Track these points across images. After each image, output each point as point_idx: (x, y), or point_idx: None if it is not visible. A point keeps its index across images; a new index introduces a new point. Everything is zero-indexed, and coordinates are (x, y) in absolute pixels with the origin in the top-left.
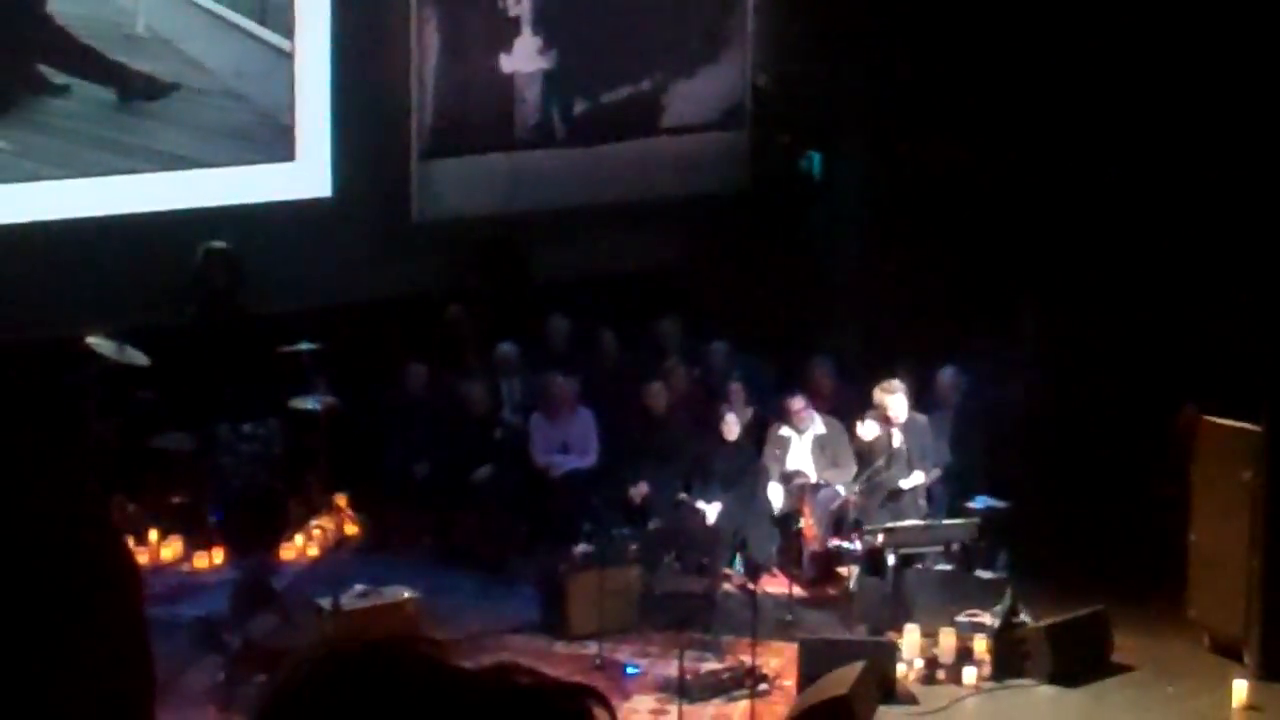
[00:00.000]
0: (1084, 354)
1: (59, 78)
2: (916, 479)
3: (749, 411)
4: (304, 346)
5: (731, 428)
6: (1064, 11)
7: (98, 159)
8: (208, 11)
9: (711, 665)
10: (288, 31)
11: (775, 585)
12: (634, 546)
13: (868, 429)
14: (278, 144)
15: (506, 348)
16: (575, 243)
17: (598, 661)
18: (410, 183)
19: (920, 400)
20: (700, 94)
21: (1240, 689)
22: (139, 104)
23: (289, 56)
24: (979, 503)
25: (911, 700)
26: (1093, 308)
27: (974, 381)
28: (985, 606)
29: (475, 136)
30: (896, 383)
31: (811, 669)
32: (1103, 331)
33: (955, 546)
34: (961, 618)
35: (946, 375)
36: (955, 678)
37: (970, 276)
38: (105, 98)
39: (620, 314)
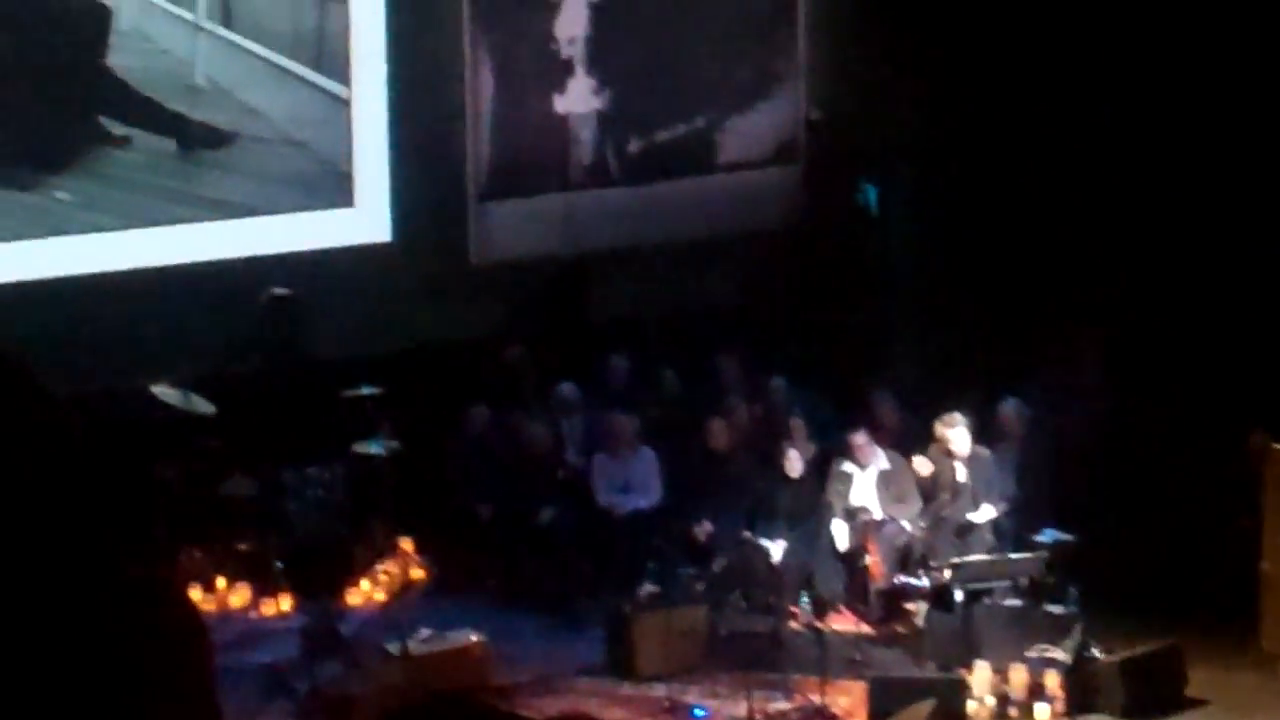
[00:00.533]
0: (1149, 382)
1: (120, 129)
2: (982, 513)
3: (811, 447)
4: (366, 391)
5: (794, 464)
6: (1124, 40)
7: (159, 209)
8: (265, 60)
9: (780, 705)
10: (344, 78)
11: (842, 623)
12: (699, 586)
13: (922, 464)
14: (337, 190)
15: (567, 388)
16: (633, 281)
17: (666, 703)
18: (468, 225)
19: (984, 433)
20: (754, 130)
21: None
22: (199, 153)
23: (346, 103)
24: (1046, 536)
25: None
26: (1158, 334)
27: (1038, 413)
28: (1055, 641)
29: (531, 178)
30: (958, 416)
31: (881, 707)
32: (1169, 358)
33: (1024, 581)
34: (1032, 653)
35: (1009, 407)
36: (1027, 714)
37: (1031, 306)
38: (166, 148)
39: (680, 352)
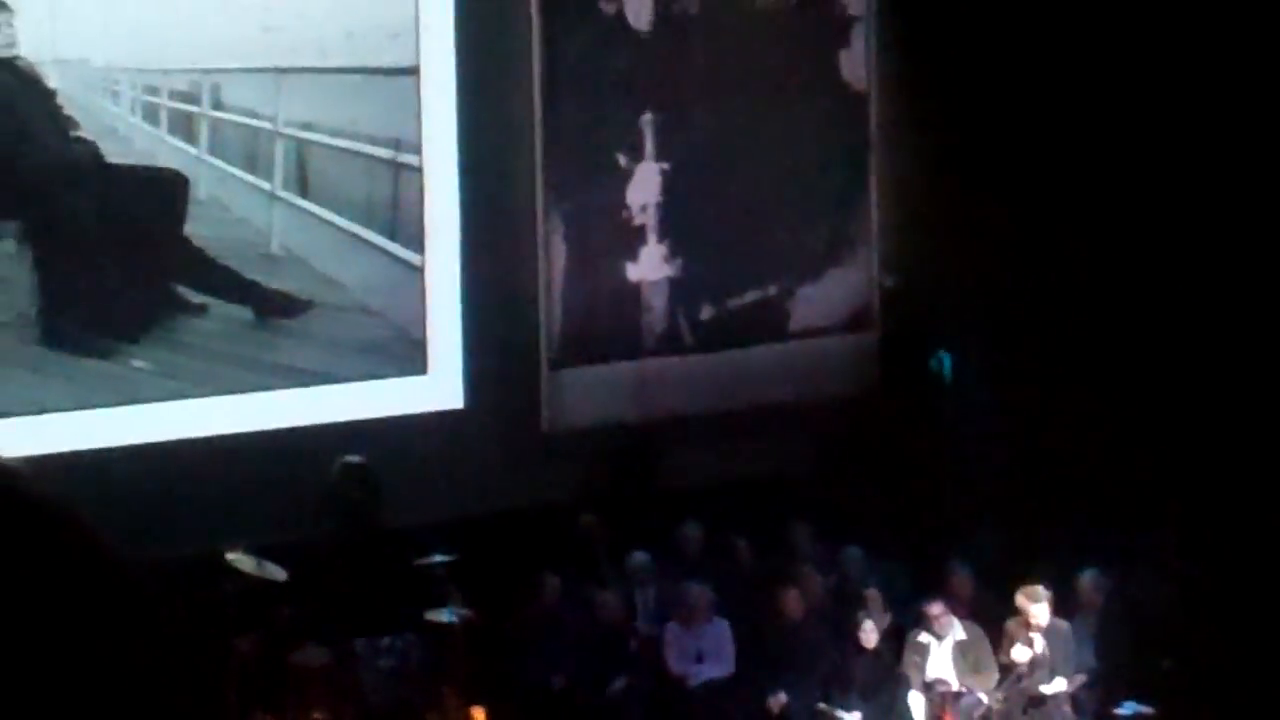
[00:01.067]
0: (1231, 554)
1: (197, 297)
2: (1060, 685)
3: (887, 618)
4: (438, 559)
5: (869, 635)
6: (1211, 206)
7: (235, 376)
8: (341, 230)
9: None
10: (418, 246)
11: None
12: None
13: (1020, 651)
14: (410, 357)
15: (640, 557)
16: (705, 449)
17: None
18: (540, 392)
19: (1062, 604)
20: (827, 297)
21: None
22: (275, 321)
23: (420, 270)
24: (1127, 709)
25: None
26: (1238, 508)
27: (1117, 584)
28: None
29: (603, 345)
30: (1041, 589)
31: None
32: (1248, 529)
33: None
34: None
35: (1088, 578)
36: None
37: (1108, 476)
38: (242, 316)
39: (753, 520)
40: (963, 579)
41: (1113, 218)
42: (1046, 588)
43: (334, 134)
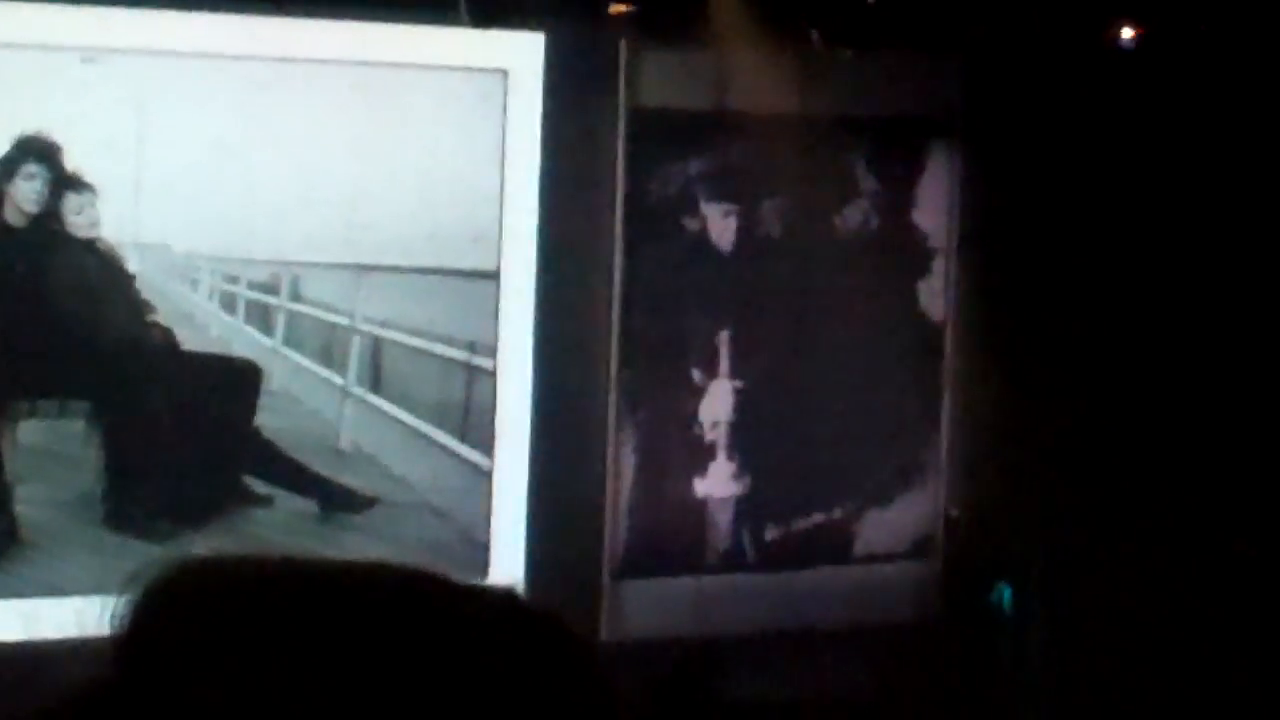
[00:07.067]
0: None
1: (263, 488)
2: None
3: None
4: None
5: None
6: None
7: None
8: (411, 428)
9: None
10: (488, 449)
11: None
12: None
13: None
14: (473, 560)
15: None
16: (763, 668)
17: None
18: (601, 602)
19: None
20: (893, 523)
21: None
22: (340, 517)
23: (487, 474)
24: None
25: None
26: None
27: None
28: None
29: (667, 559)
30: None
31: None
32: None
33: None
34: None
35: None
36: None
37: (1170, 702)
38: (308, 509)
39: None
40: None
41: (1174, 456)
42: None
43: (411, 333)
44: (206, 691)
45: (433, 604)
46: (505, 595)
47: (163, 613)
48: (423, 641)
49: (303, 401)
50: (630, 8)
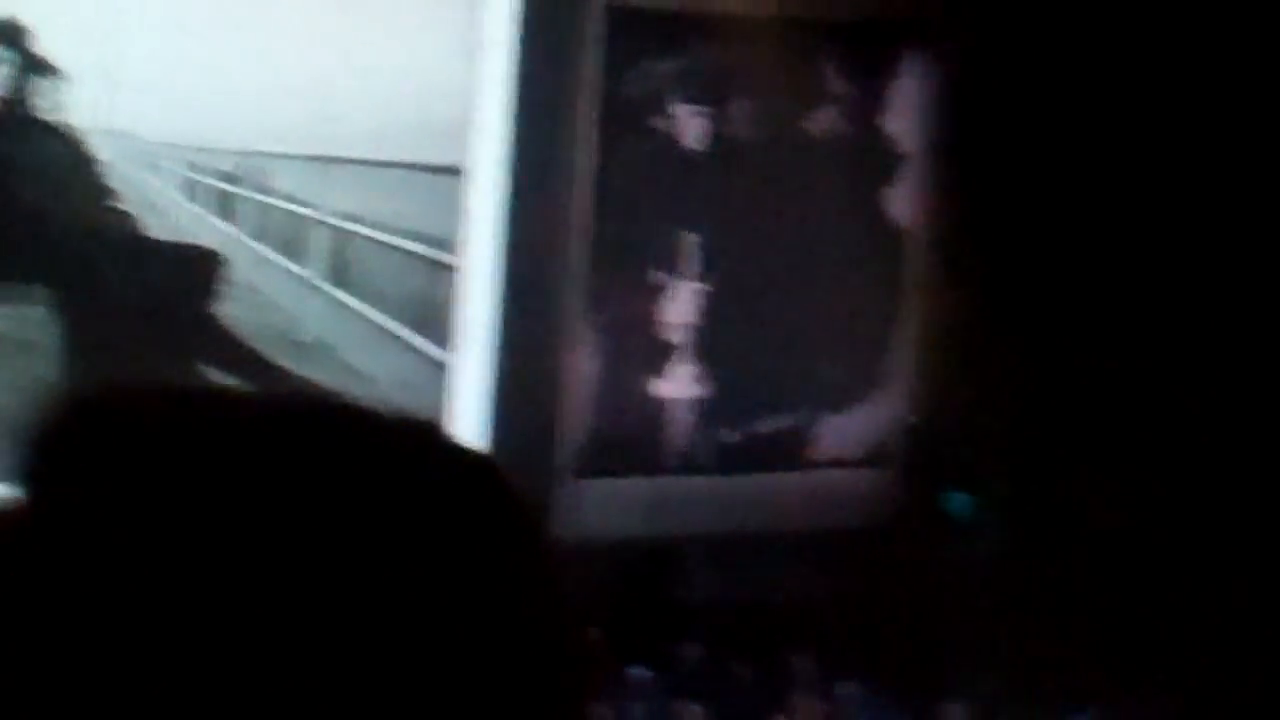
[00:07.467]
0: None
1: (219, 378)
2: None
3: None
4: None
5: None
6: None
7: None
8: (374, 324)
9: None
10: (449, 345)
11: None
12: None
13: None
14: None
15: (637, 672)
16: (713, 570)
17: None
18: (557, 500)
19: None
20: (852, 429)
21: None
22: None
23: (448, 370)
24: None
25: None
26: (1248, 664)
27: None
28: None
29: (624, 459)
30: None
31: None
32: (1260, 687)
33: None
34: None
35: None
36: None
37: (1115, 624)
38: None
39: (752, 645)
40: None
41: (1135, 377)
42: None
43: (376, 227)
44: (105, 524)
45: (345, 429)
46: (426, 424)
47: (60, 446)
48: (333, 463)
49: (264, 292)
50: None
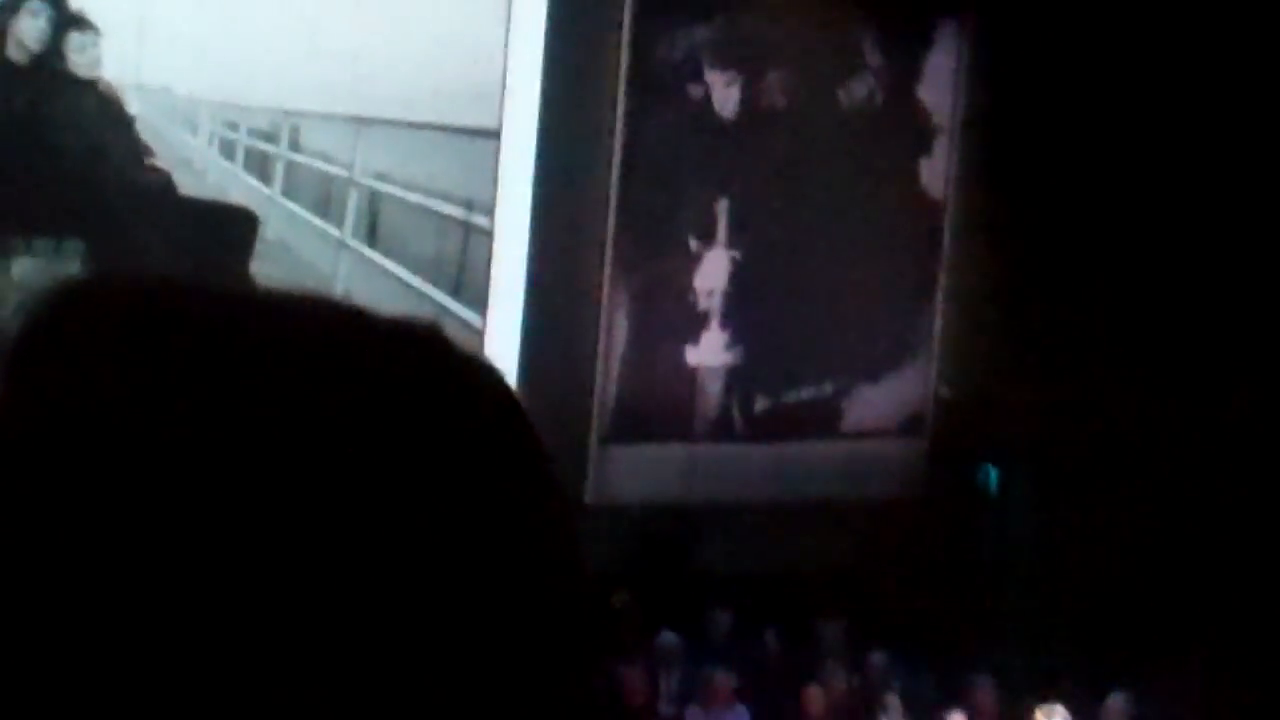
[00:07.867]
0: (1266, 684)
1: None
2: None
3: None
4: None
5: None
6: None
7: None
8: (405, 284)
9: None
10: (481, 308)
11: None
12: None
13: None
14: None
15: (668, 637)
16: (745, 537)
17: None
18: (587, 465)
19: None
20: (882, 400)
21: None
22: None
23: (479, 333)
24: None
25: None
26: (1273, 635)
27: (1145, 711)
28: None
29: (655, 425)
30: (1059, 708)
31: None
32: None
33: None
34: None
35: (1114, 702)
36: None
37: (1139, 604)
38: None
39: (784, 613)
40: (986, 692)
41: (1168, 348)
42: (1067, 708)
43: (409, 188)
44: (82, 416)
45: (341, 328)
46: (429, 327)
47: (44, 332)
48: (327, 363)
49: (297, 251)
50: None
